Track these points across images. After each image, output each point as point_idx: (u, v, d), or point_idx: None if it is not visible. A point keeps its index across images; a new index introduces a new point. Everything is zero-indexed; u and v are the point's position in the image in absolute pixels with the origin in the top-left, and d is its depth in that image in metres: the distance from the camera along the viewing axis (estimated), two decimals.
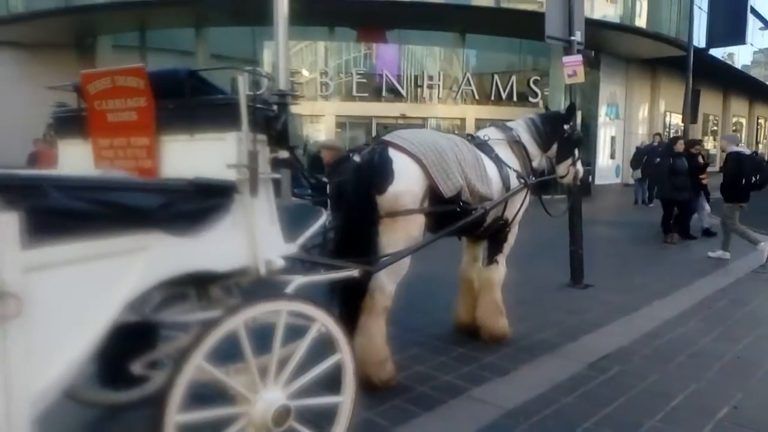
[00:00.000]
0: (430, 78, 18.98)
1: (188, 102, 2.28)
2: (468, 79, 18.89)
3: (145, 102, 2.33)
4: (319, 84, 18.41)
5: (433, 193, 3.36)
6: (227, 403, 2.22)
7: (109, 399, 3.01)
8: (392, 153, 3.34)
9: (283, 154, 2.32)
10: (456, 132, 13.99)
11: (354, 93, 18.48)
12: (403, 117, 18.33)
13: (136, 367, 2.45)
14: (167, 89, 2.31)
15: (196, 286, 2.50)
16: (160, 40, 19.12)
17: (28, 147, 14.27)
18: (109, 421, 3.00)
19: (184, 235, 1.98)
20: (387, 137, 3.53)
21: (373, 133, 18.00)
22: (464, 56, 19.45)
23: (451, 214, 3.46)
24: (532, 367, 3.79)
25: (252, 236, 2.29)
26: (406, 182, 3.28)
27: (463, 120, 18.95)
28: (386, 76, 18.49)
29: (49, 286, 1.53)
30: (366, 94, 18.64)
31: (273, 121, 2.29)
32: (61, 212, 1.55)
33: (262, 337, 2.25)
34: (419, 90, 18.97)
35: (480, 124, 17.48)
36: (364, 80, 18.72)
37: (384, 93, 18.70)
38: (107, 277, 1.73)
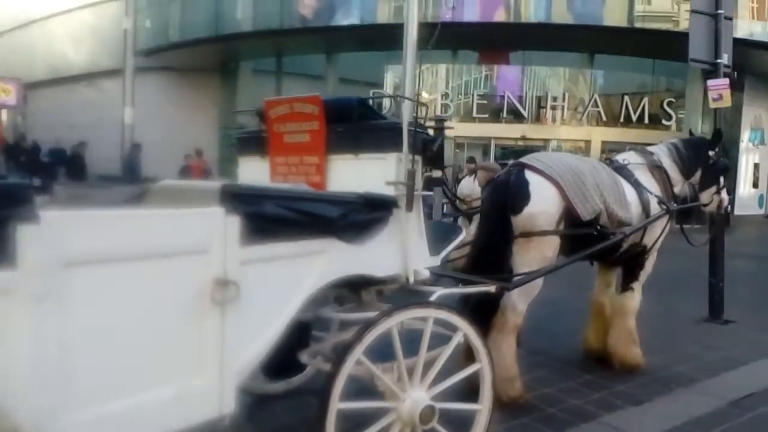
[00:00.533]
0: (554, 99, 18.65)
1: (355, 126, 2.58)
2: (595, 100, 18.30)
3: (317, 126, 2.66)
4: (440, 105, 18.78)
5: (569, 216, 3.40)
6: (376, 399, 2.43)
7: (262, 388, 3.36)
8: (529, 175, 3.44)
9: (436, 173, 2.53)
10: (580, 154, 13.61)
11: (474, 114, 18.62)
12: (524, 138, 18.15)
13: (303, 357, 2.75)
14: (337, 114, 2.62)
15: (350, 289, 2.77)
16: (294, 65, 20.59)
17: (178, 160, 15.99)
18: (258, 408, 3.31)
19: (353, 242, 2.25)
20: (524, 159, 3.63)
21: (492, 154, 17.99)
22: (592, 77, 18.91)
23: (587, 238, 3.47)
24: (667, 399, 3.66)
25: (404, 247, 2.52)
26: (542, 204, 3.36)
27: (587, 142, 18.37)
28: (508, 97, 18.44)
29: (257, 279, 1.84)
30: (486, 116, 18.71)
31: (429, 143, 2.52)
32: (270, 218, 1.88)
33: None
34: (542, 111, 18.70)
35: (606, 146, 16.88)
36: (484, 101, 18.82)
37: (504, 114, 18.65)
38: (296, 274, 2.04)
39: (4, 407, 1.24)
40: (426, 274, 2.64)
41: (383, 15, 17.85)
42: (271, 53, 20.60)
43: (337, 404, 2.15)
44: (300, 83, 19.59)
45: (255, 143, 3.02)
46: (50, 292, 1.35)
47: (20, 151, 18.49)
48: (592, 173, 3.51)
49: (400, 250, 2.50)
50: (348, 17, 17.78)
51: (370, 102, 2.74)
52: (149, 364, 1.60)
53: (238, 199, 1.80)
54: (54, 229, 1.36)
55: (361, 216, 2.27)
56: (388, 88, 19.40)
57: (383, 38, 16.56)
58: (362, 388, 2.40)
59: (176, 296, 1.65)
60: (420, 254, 2.62)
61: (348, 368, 2.18)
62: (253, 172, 3.01)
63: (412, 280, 2.56)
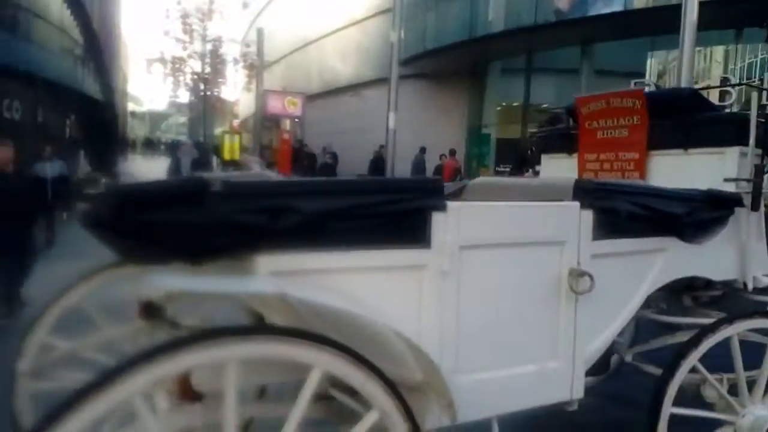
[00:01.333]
0: None
1: (687, 119, 2.43)
2: None
3: (638, 120, 2.58)
4: (718, 92, 16.43)
5: None
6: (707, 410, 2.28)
7: None
8: None
9: None
10: None
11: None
12: None
13: (627, 357, 2.72)
14: (663, 108, 2.51)
15: (668, 291, 2.63)
16: (544, 60, 20.11)
17: (431, 160, 16.99)
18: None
19: (693, 242, 2.14)
20: None
21: None
22: None
23: None
24: None
25: (744, 251, 2.30)
26: None
27: None
28: None
29: (605, 272, 1.87)
30: None
31: None
32: (620, 212, 1.90)
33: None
34: None
35: None
36: None
37: None
38: (639, 271, 2.03)
39: (430, 357, 1.49)
40: (766, 281, 2.38)
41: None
42: (521, 51, 20.40)
43: (669, 409, 2.09)
44: (550, 79, 19.13)
45: (560, 140, 3.07)
46: (451, 270, 1.58)
47: (302, 154, 21.72)
48: None
49: (740, 253, 2.30)
50: (608, 5, 16.69)
51: (705, 93, 2.55)
52: (517, 342, 1.76)
53: (592, 194, 1.86)
54: (456, 216, 1.59)
55: (703, 214, 2.15)
56: (651, 77, 17.72)
57: (644, 24, 15.13)
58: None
59: (539, 282, 1.79)
60: (761, 259, 2.37)
61: (683, 374, 2.10)
62: (557, 168, 3.06)
63: (750, 287, 2.33)
